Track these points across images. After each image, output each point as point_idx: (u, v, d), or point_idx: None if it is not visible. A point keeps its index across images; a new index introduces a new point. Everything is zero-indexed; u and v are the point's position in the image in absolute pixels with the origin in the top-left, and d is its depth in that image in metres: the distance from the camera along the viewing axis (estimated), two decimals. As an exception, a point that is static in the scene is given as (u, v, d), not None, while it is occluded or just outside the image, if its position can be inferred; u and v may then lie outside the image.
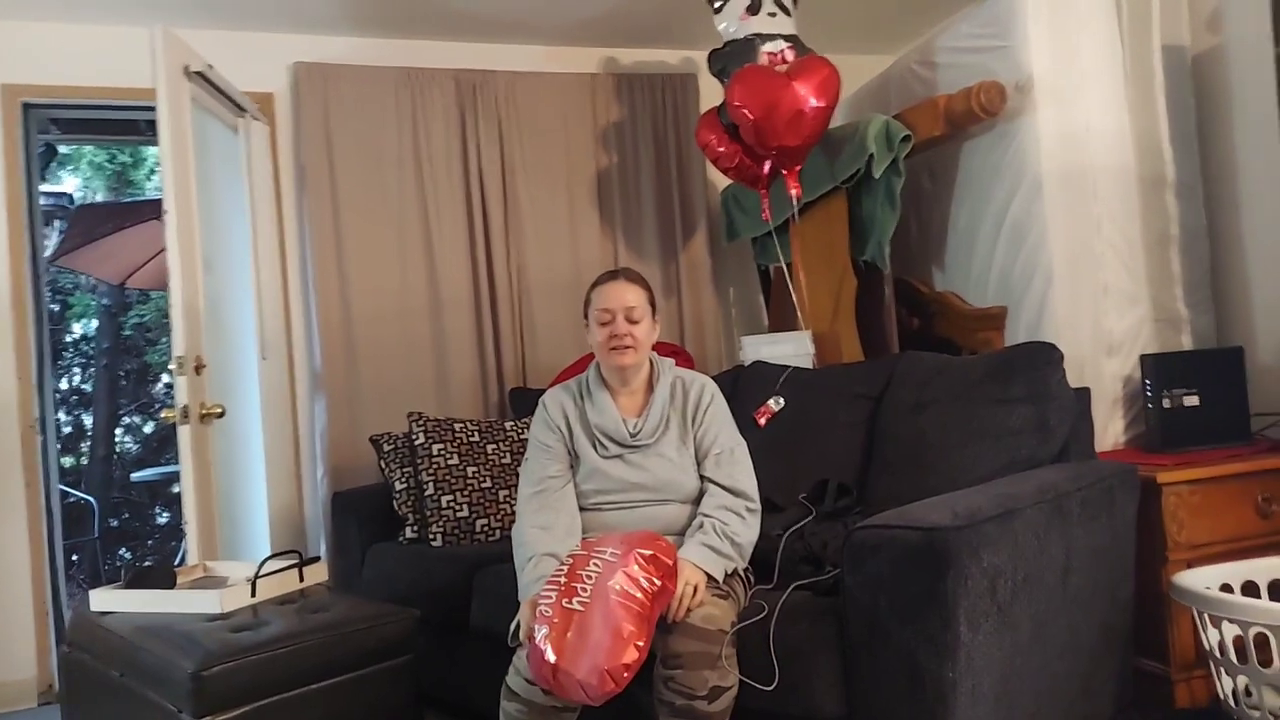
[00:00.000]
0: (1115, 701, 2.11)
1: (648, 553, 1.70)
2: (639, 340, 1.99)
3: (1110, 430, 2.63)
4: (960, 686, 1.55)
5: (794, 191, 3.00)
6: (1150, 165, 2.73)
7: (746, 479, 1.98)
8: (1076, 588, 1.90)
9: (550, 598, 1.67)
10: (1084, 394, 2.28)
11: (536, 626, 1.65)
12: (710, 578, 1.81)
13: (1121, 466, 2.16)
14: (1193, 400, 2.52)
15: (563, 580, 1.69)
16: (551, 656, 1.59)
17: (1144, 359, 2.58)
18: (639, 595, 1.64)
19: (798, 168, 3.02)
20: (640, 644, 1.61)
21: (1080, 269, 2.65)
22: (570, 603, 1.64)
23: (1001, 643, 1.66)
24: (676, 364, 2.15)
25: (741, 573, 1.98)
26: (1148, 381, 2.54)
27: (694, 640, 1.69)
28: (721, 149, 3.20)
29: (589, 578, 1.67)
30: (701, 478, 1.98)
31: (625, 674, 1.59)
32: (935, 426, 2.19)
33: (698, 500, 1.97)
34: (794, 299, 3.16)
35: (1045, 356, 2.16)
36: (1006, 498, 1.76)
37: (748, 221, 3.54)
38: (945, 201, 3.10)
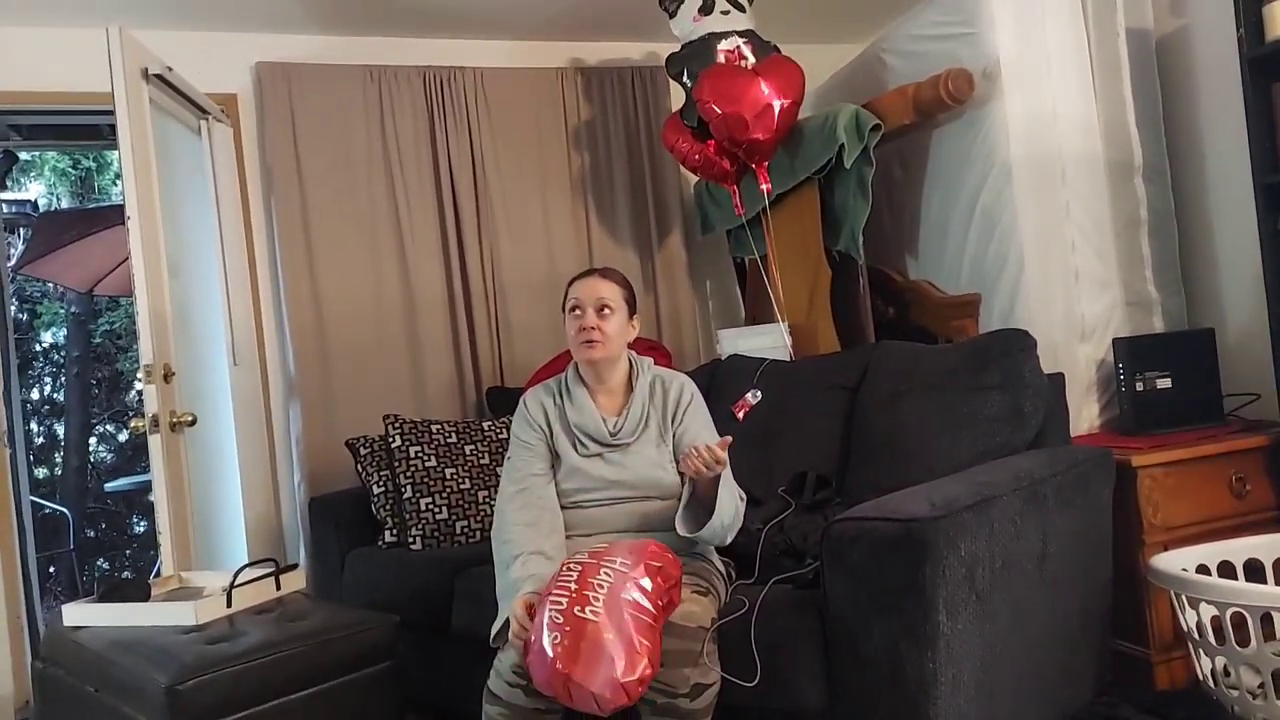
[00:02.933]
0: (1096, 684, 2.13)
1: (657, 564, 1.68)
2: (608, 335, 1.98)
3: (1085, 414, 2.65)
4: (941, 676, 1.56)
5: (764, 187, 3.03)
6: (1118, 149, 2.74)
7: (726, 474, 1.96)
8: (1054, 573, 1.91)
9: (561, 604, 1.61)
10: (1058, 379, 2.30)
11: (547, 632, 1.59)
12: (694, 577, 1.81)
13: (1096, 451, 2.18)
14: (1165, 382, 2.54)
15: (573, 587, 1.63)
16: (563, 667, 1.55)
17: (1116, 342, 2.60)
18: (651, 608, 1.62)
19: (766, 163, 3.03)
20: (652, 658, 1.58)
21: (1051, 254, 2.66)
22: (583, 611, 1.59)
23: (981, 630, 1.66)
24: (655, 361, 2.14)
25: (721, 568, 1.98)
26: (1120, 365, 2.56)
27: (674, 638, 1.68)
28: (687, 149, 3.21)
29: (600, 587, 1.62)
30: (681, 476, 1.97)
31: (639, 688, 1.57)
32: (912, 416, 2.20)
33: (678, 497, 1.96)
34: (770, 291, 3.15)
35: (1018, 343, 2.17)
36: (983, 486, 1.76)
37: (721, 214, 3.53)
38: (917, 190, 3.11)
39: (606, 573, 1.64)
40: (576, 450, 2.00)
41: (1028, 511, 1.82)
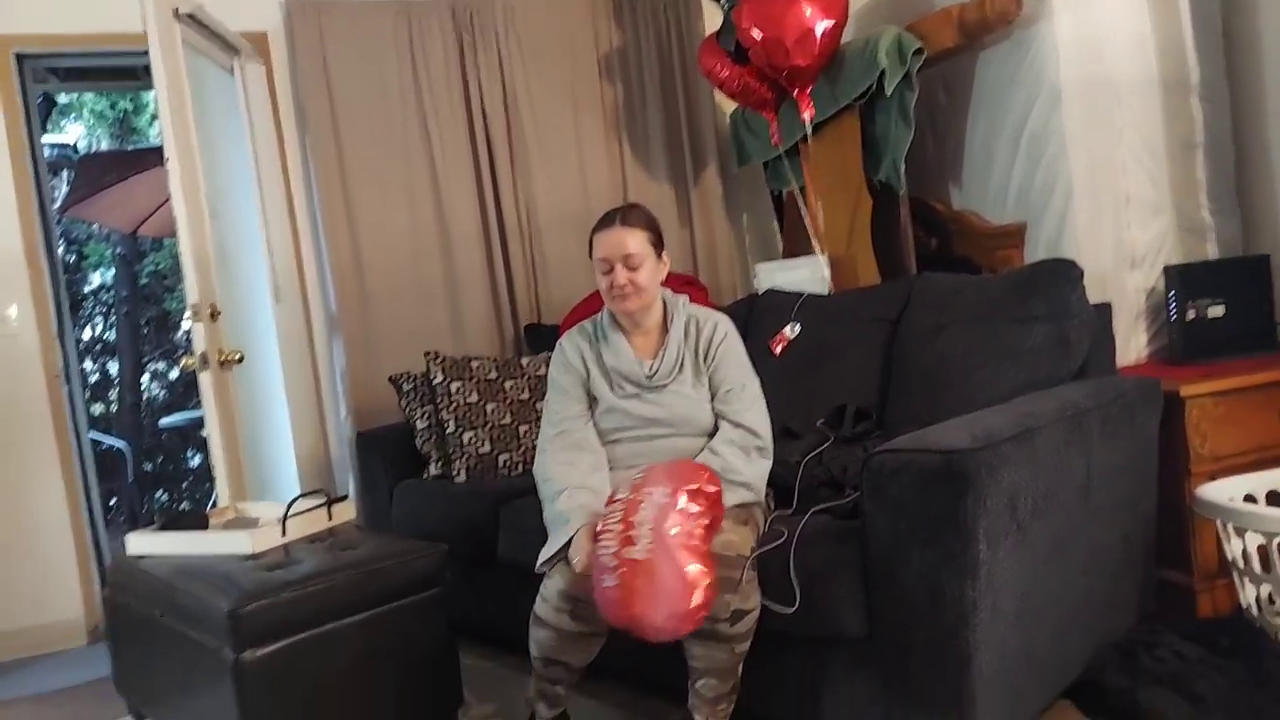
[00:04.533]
0: (1138, 612, 2.14)
1: (694, 487, 1.69)
2: (641, 286, 1.97)
3: (1133, 344, 2.61)
4: (981, 604, 1.57)
5: (807, 114, 2.94)
6: (1173, 69, 2.63)
7: (754, 415, 1.98)
8: (1097, 503, 1.91)
9: (611, 546, 1.64)
10: (1105, 309, 2.25)
11: (603, 576, 1.63)
12: (736, 508, 1.84)
13: (1143, 381, 2.15)
14: (1217, 310, 2.48)
15: (618, 528, 1.66)
16: (625, 607, 1.60)
17: (1168, 270, 2.54)
18: (696, 531, 1.64)
19: (809, 88, 2.94)
20: (708, 581, 1.62)
21: (1101, 180, 2.58)
22: (632, 551, 1.61)
23: (1021, 560, 1.67)
24: (692, 296, 2.13)
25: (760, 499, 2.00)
26: (1171, 293, 2.50)
27: (714, 566, 1.71)
28: (725, 75, 3.13)
29: (643, 524, 1.64)
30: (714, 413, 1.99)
31: (700, 614, 1.61)
32: (954, 347, 2.18)
33: (713, 434, 1.98)
34: (808, 223, 3.11)
35: (1064, 273, 2.12)
36: (1025, 416, 1.75)
37: (758, 145, 3.47)
38: (961, 116, 3.02)
39: (647, 507, 1.66)
40: (613, 391, 2.02)
41: (1071, 442, 1.81)
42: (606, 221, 2.00)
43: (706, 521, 1.67)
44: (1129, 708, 1.82)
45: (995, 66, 2.83)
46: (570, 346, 2.08)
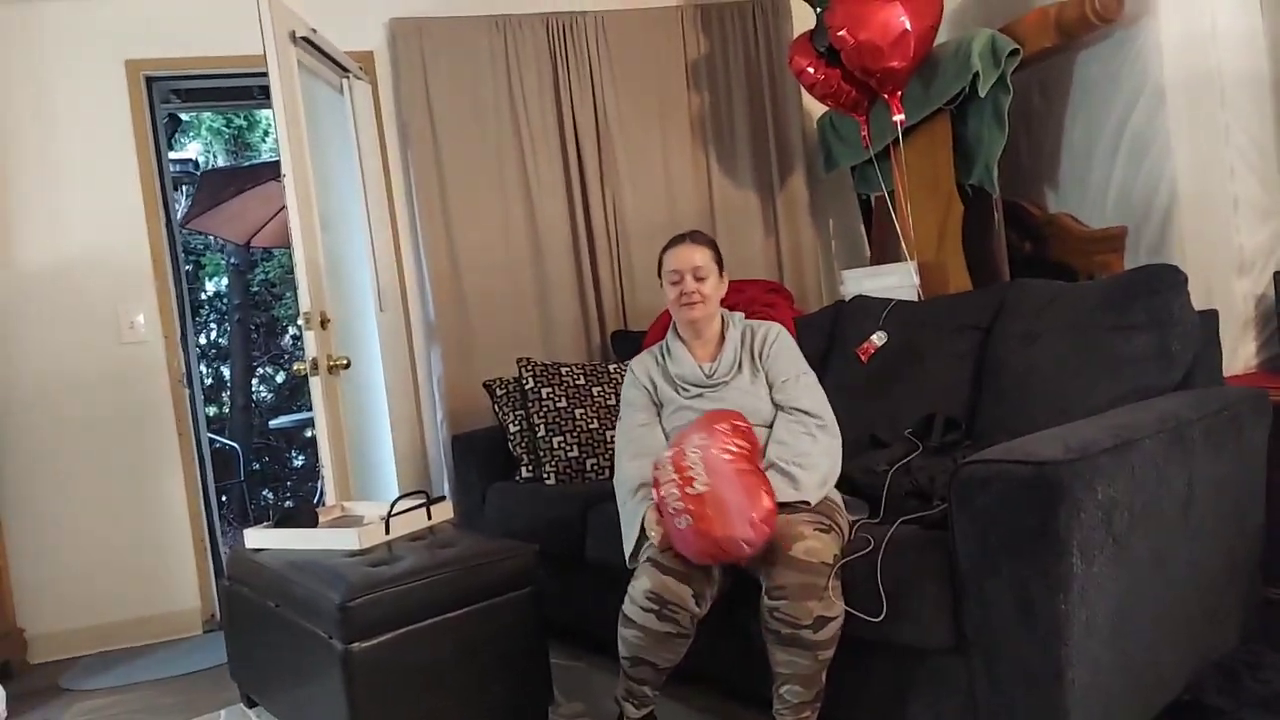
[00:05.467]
0: (1242, 632, 2.06)
1: (725, 426, 1.88)
2: (706, 295, 2.18)
3: (1241, 353, 2.51)
4: (1074, 618, 1.55)
5: (898, 117, 2.91)
6: (1287, 65, 2.52)
7: (810, 399, 2.10)
8: (1200, 518, 1.85)
9: (674, 493, 1.80)
10: (1211, 317, 2.17)
11: (677, 519, 1.79)
12: (804, 505, 1.89)
13: (1251, 392, 2.06)
14: (1333, 318, 2.36)
15: (674, 477, 1.82)
16: (706, 533, 1.75)
17: (1278, 276, 2.43)
18: (744, 453, 1.83)
19: (900, 91, 2.92)
20: (767, 489, 1.79)
21: (1208, 182, 2.50)
22: (693, 488, 1.77)
23: (1117, 574, 1.64)
24: (777, 304, 2.19)
25: (842, 504, 2.01)
26: (1283, 300, 2.39)
27: (797, 573, 1.74)
28: (817, 75, 3.12)
29: (695, 464, 1.80)
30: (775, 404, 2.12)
31: (773, 516, 1.77)
32: (1048, 357, 2.14)
33: (773, 425, 2.10)
34: (897, 228, 3.08)
35: (1168, 279, 2.06)
36: (1123, 428, 1.71)
37: (846, 150, 3.46)
38: (1058, 117, 2.95)
39: (692, 452, 1.83)
40: (679, 394, 2.19)
41: (1171, 455, 1.76)
42: (676, 241, 2.24)
43: (748, 444, 1.87)
44: (1233, 730, 1.76)
45: (1095, 66, 2.76)
46: (639, 367, 2.28)
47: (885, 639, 1.78)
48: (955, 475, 1.68)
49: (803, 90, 3.63)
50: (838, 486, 2.15)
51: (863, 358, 2.59)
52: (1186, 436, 1.81)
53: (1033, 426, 1.83)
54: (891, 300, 2.72)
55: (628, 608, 1.87)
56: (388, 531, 2.31)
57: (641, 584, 1.85)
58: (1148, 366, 2.02)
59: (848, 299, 2.96)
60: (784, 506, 1.87)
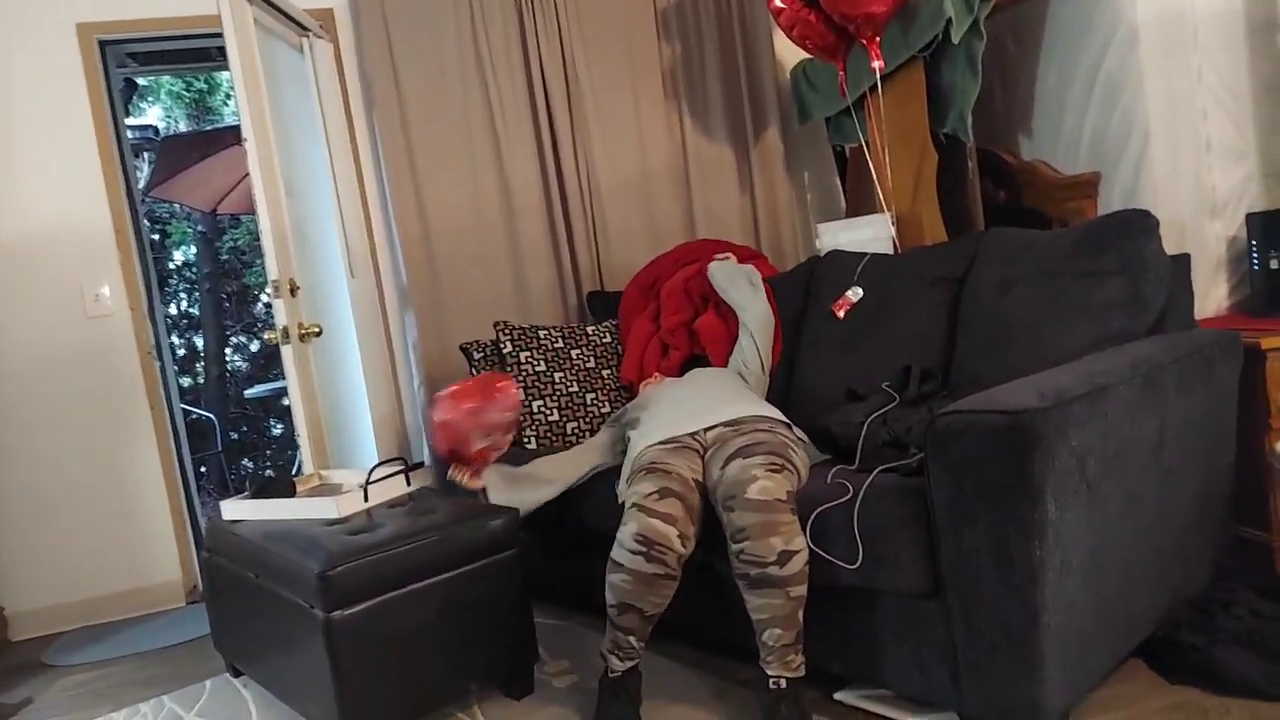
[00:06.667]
0: (1214, 570, 2.10)
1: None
2: None
3: (1213, 295, 2.53)
4: (1049, 562, 1.57)
5: (877, 64, 2.84)
6: (1257, 5, 2.50)
7: None
8: (1171, 460, 1.87)
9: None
10: (1183, 261, 2.18)
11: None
12: (768, 456, 1.91)
13: (1222, 334, 2.08)
14: (1303, 259, 2.38)
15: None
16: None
17: (1250, 218, 2.44)
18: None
19: (878, 37, 2.86)
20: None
21: (1180, 124, 2.49)
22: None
23: (1091, 519, 1.66)
24: (757, 265, 2.18)
25: (797, 442, 2.05)
26: (1253, 242, 2.40)
27: (754, 513, 1.78)
28: (794, 17, 3.02)
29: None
30: None
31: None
32: (1021, 305, 2.14)
33: None
34: (874, 178, 3.06)
35: (1139, 224, 2.06)
36: (1096, 375, 1.72)
37: (820, 100, 3.41)
38: (1031, 63, 2.93)
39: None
40: None
41: (1144, 400, 1.78)
42: None
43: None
44: (1204, 666, 1.80)
45: (1068, 8, 2.73)
46: None
47: (863, 586, 1.80)
48: (931, 426, 1.68)
49: (775, 41, 3.58)
50: (813, 439, 2.17)
51: (839, 313, 2.58)
52: (1158, 381, 1.82)
53: (1008, 375, 1.84)
54: (866, 254, 2.71)
55: (616, 553, 1.90)
56: (366, 499, 2.29)
57: (629, 528, 1.89)
58: (1120, 312, 2.03)
59: (823, 253, 2.95)
60: (741, 449, 1.94)
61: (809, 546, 1.80)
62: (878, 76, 2.87)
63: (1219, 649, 1.80)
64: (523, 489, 2.33)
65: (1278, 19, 2.50)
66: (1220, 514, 2.11)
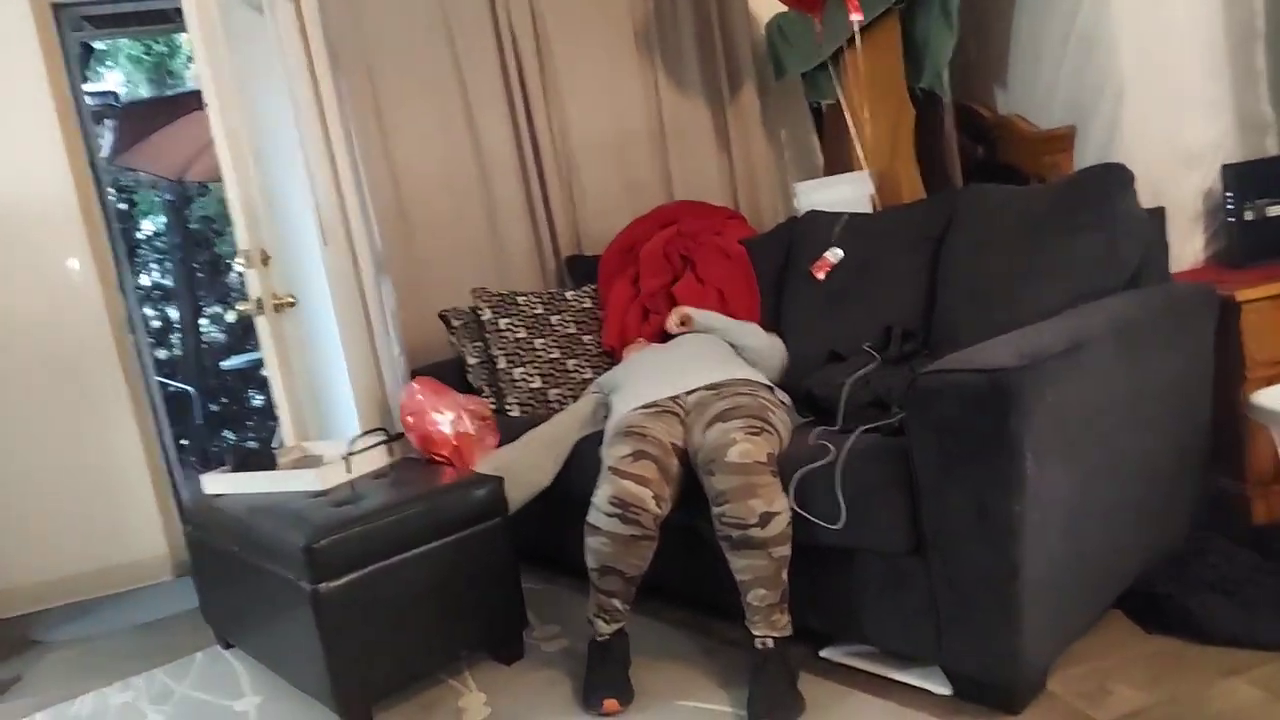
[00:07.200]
0: (1192, 522, 2.14)
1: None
2: None
3: (1189, 248, 2.54)
4: (1028, 519, 1.59)
5: (855, 17, 2.79)
6: (1235, -46, 2.49)
7: None
8: (1149, 414, 1.90)
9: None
10: (1158, 214, 2.19)
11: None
12: (747, 419, 1.91)
13: (1198, 287, 2.10)
14: (1277, 210, 2.39)
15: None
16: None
17: (1225, 169, 2.45)
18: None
19: (858, -14, 2.80)
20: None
21: (1155, 78, 2.48)
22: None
23: (1070, 474, 1.68)
24: (734, 230, 2.16)
25: (778, 405, 2.07)
26: (1229, 194, 2.41)
27: (733, 475, 1.80)
28: None
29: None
30: None
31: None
32: (1000, 263, 2.15)
33: None
34: (853, 134, 3.03)
35: (1114, 179, 2.06)
36: (1074, 331, 1.74)
37: (795, 55, 3.37)
38: (1007, 14, 2.90)
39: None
40: None
41: (1122, 355, 1.80)
42: None
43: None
44: (1179, 613, 1.84)
45: (1043, -40, 2.70)
46: None
47: (846, 545, 1.82)
48: (911, 386, 1.69)
49: (749, -6, 3.53)
50: (795, 401, 2.19)
51: (819, 275, 2.58)
52: (1135, 336, 1.84)
53: (988, 333, 1.84)
54: (844, 214, 2.70)
55: (592, 516, 1.91)
56: (349, 470, 2.29)
57: (604, 491, 1.91)
58: (1097, 267, 2.04)
59: (801, 213, 2.93)
60: (721, 413, 1.96)
61: (792, 508, 1.82)
62: (856, 29, 2.83)
63: (1194, 598, 1.85)
64: (509, 486, 2.26)
65: (1253, -32, 2.49)
66: (1198, 466, 2.14)
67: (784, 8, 3.24)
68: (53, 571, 3.28)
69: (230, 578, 2.32)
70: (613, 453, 1.96)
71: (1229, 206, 2.42)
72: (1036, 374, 1.58)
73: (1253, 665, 1.72)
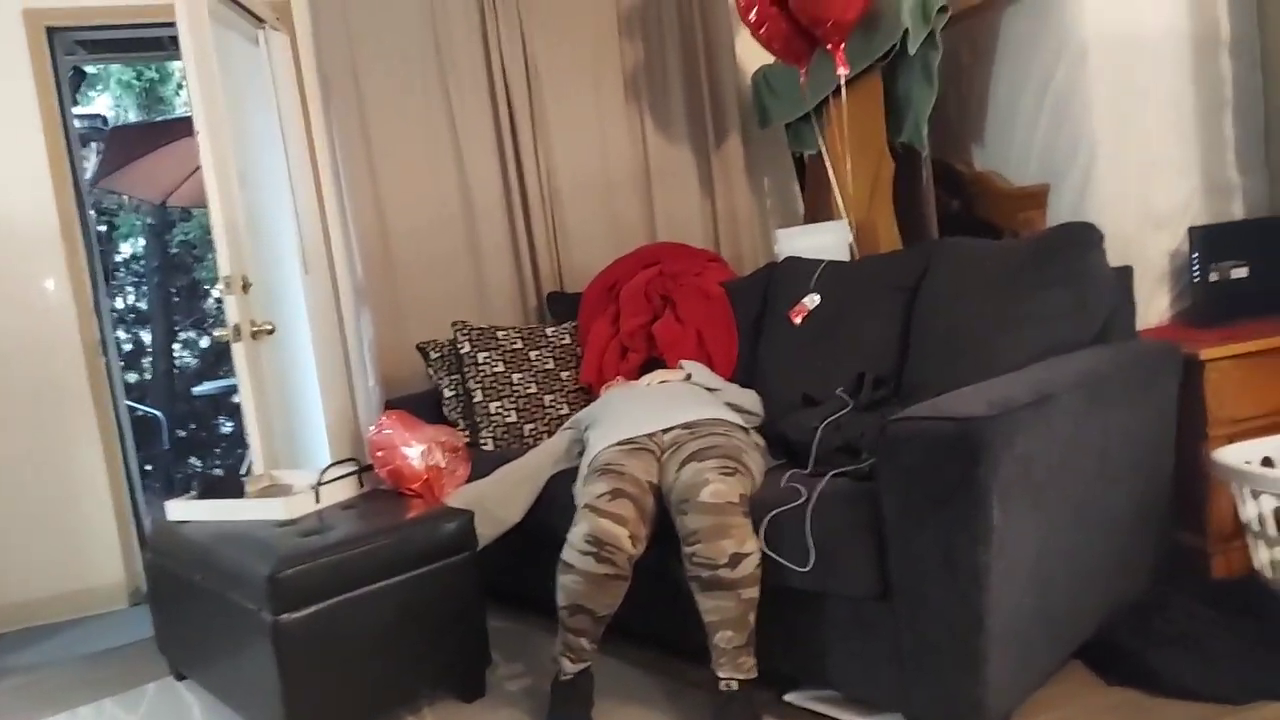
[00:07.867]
0: (1153, 575, 2.16)
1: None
2: None
3: (1155, 306, 2.60)
4: (994, 568, 1.60)
5: (842, 70, 2.86)
6: (1203, 25, 2.58)
7: None
8: (1114, 468, 1.93)
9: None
10: (1125, 273, 2.25)
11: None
12: (721, 459, 1.92)
13: (1162, 345, 2.15)
14: (1241, 272, 2.46)
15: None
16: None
17: (1192, 231, 2.52)
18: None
19: (844, 44, 2.88)
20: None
21: (1126, 140, 2.56)
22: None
23: (1036, 525, 1.70)
24: (715, 274, 2.19)
25: (747, 445, 2.08)
26: (1195, 255, 2.48)
27: (706, 515, 1.80)
28: (764, 13, 3.02)
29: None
30: None
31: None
32: (972, 314, 2.18)
33: None
34: (834, 185, 3.09)
35: (1084, 237, 2.11)
36: (1042, 384, 1.77)
37: (780, 106, 3.44)
38: (985, 74, 2.99)
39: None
40: None
41: (1088, 409, 1.83)
42: None
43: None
44: (1140, 667, 1.85)
45: (1020, 22, 2.79)
46: None
47: (814, 589, 1.82)
48: (882, 432, 1.71)
49: (737, 46, 3.61)
50: (768, 443, 2.20)
51: (795, 320, 2.61)
52: (1102, 390, 1.87)
53: (958, 383, 1.87)
54: (823, 261, 2.74)
55: (566, 554, 1.90)
56: (318, 500, 2.27)
57: (580, 529, 1.89)
58: (1066, 322, 2.08)
59: (780, 259, 2.97)
60: (695, 453, 1.97)
61: (762, 549, 1.82)
62: (842, 82, 2.90)
63: (1153, 651, 1.86)
64: (479, 522, 2.25)
65: (1220, 37, 2.58)
66: (1160, 520, 2.17)
67: (770, 59, 3.31)
68: (5, 596, 3.20)
69: (189, 607, 2.27)
70: (590, 490, 1.96)
71: (1195, 268, 2.48)
72: (1006, 424, 1.60)
73: (1210, 719, 1.73)
